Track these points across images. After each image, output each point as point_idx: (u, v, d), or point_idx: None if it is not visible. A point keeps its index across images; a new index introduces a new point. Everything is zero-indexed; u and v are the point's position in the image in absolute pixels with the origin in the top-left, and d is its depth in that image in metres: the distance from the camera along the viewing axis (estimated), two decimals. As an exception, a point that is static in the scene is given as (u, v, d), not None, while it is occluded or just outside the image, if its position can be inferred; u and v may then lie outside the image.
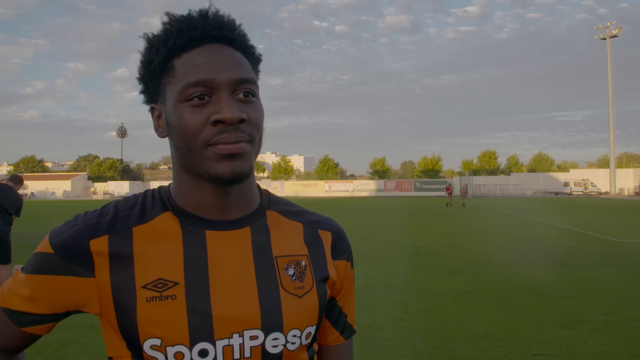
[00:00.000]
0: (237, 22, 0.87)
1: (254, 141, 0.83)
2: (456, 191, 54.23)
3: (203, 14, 0.84)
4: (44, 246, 0.83)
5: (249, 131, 0.81)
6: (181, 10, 0.87)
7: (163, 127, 0.87)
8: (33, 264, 0.84)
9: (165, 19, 0.85)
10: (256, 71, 0.89)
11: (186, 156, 0.82)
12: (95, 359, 4.49)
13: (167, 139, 0.88)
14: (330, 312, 0.98)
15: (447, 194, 38.59)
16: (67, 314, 0.87)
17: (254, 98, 0.84)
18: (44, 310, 0.84)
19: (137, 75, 0.89)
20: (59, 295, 0.83)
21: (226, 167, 0.80)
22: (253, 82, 0.84)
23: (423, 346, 4.80)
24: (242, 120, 0.80)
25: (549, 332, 5.19)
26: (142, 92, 0.89)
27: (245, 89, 0.82)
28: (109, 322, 0.83)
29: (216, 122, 0.79)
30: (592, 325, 5.41)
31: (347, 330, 1.00)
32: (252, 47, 0.88)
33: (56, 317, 0.86)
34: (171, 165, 0.92)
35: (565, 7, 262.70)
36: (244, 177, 0.82)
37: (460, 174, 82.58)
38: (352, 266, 1.01)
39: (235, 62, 0.83)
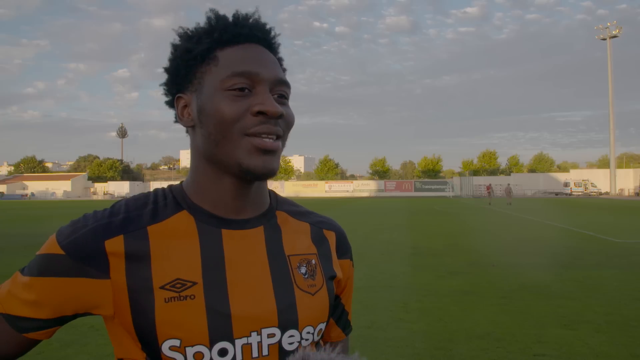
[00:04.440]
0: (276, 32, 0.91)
1: (284, 140, 0.87)
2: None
3: (249, 16, 0.89)
4: (52, 247, 0.80)
5: (283, 128, 0.85)
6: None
7: (189, 116, 0.87)
8: (39, 266, 0.80)
9: (210, 13, 0.88)
10: None
11: (218, 144, 0.83)
12: (95, 359, 4.49)
13: (187, 130, 0.90)
14: (335, 310, 1.00)
15: (487, 193, 43.20)
16: (75, 316, 0.83)
17: (286, 100, 0.88)
18: (49, 314, 0.80)
19: (165, 65, 0.90)
20: (67, 298, 0.80)
21: (259, 161, 0.82)
22: (289, 87, 0.88)
23: (423, 346, 4.80)
24: (281, 116, 0.83)
25: (549, 333, 5.19)
26: (168, 81, 0.90)
27: (281, 91, 0.86)
28: (123, 324, 0.81)
29: (258, 113, 0.81)
30: (593, 326, 5.40)
31: (347, 327, 1.05)
32: (281, 58, 0.93)
33: (62, 321, 0.83)
34: (190, 160, 0.92)
35: (564, 8, 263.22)
36: (273, 174, 0.84)
37: (460, 174, 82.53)
38: (353, 265, 1.04)
39: (276, 64, 0.88)
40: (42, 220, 22.39)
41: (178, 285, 0.80)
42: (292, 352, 0.84)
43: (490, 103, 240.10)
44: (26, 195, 75.99)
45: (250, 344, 0.81)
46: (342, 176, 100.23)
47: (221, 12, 0.89)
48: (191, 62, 0.86)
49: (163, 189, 0.92)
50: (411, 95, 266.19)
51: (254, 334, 0.82)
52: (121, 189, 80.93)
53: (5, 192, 76.24)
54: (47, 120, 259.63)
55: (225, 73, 0.82)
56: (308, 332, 0.87)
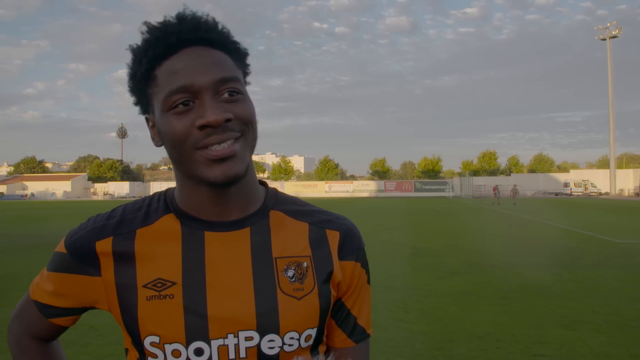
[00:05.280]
0: (217, 20, 0.85)
1: (247, 137, 0.82)
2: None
3: (180, 18, 0.82)
4: (60, 246, 0.90)
5: (239, 128, 0.80)
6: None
7: (158, 137, 0.87)
8: (53, 262, 0.91)
9: (144, 28, 0.83)
10: (245, 65, 0.88)
11: (179, 162, 0.83)
12: (96, 360, 4.49)
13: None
14: (337, 313, 0.95)
15: (493, 194, 45.30)
16: (85, 308, 0.93)
17: (240, 95, 0.82)
18: (64, 304, 0.91)
19: (127, 87, 0.88)
20: (74, 291, 0.89)
21: (218, 170, 0.79)
22: (236, 80, 0.82)
23: (423, 347, 4.80)
24: (228, 120, 0.79)
25: (549, 333, 5.19)
26: (135, 103, 0.89)
27: (229, 89, 0.80)
28: (116, 318, 0.88)
29: (202, 127, 0.78)
30: (593, 326, 5.40)
31: (356, 334, 0.96)
32: (234, 42, 0.86)
33: (76, 311, 0.93)
34: (173, 167, 0.93)
35: (563, 9, 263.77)
36: (238, 178, 0.82)
37: (460, 174, 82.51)
38: (363, 266, 0.98)
39: (215, 62, 0.81)
40: (42, 221, 22.35)
41: (159, 285, 0.84)
42: (273, 356, 0.83)
43: (490, 103, 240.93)
44: (26, 195, 76.02)
45: (227, 345, 0.82)
46: (342, 176, 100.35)
47: (154, 21, 0.84)
48: (139, 85, 0.84)
49: (159, 193, 0.95)
50: (411, 95, 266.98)
51: (230, 336, 0.82)
52: (121, 189, 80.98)
53: (5, 193, 76.27)
54: (47, 120, 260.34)
55: (163, 93, 0.80)
56: (292, 338, 0.84)
